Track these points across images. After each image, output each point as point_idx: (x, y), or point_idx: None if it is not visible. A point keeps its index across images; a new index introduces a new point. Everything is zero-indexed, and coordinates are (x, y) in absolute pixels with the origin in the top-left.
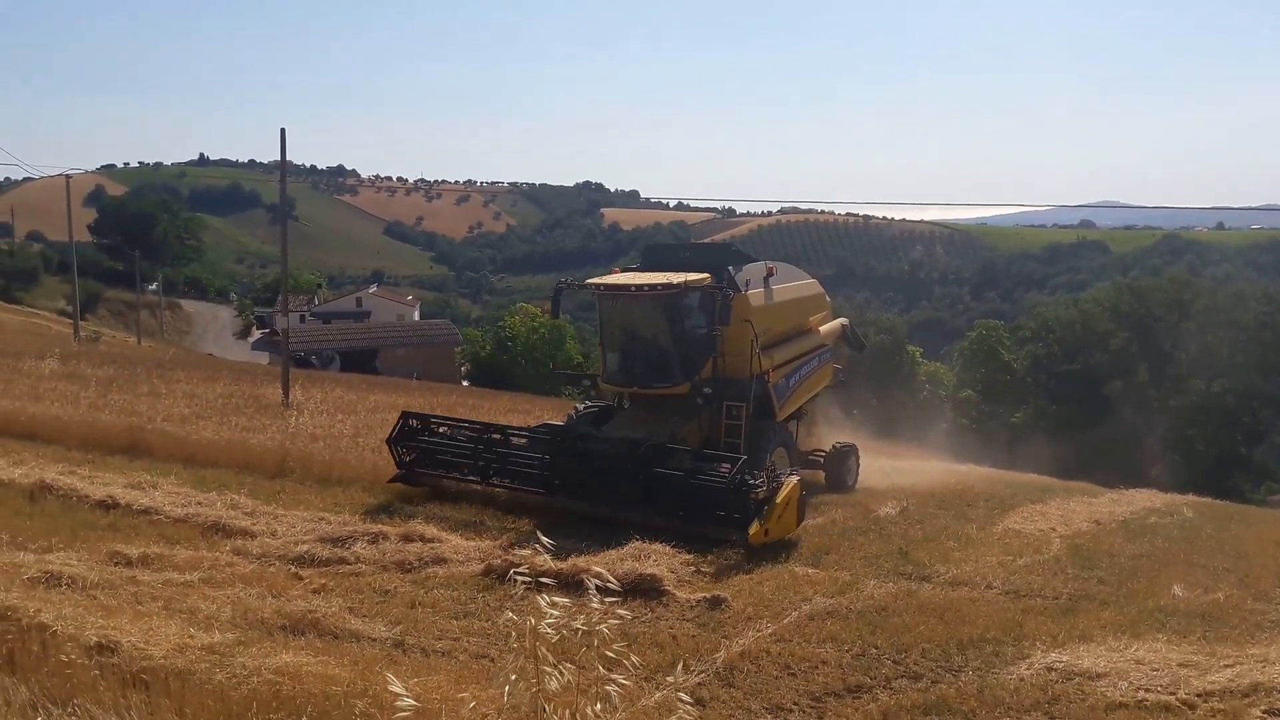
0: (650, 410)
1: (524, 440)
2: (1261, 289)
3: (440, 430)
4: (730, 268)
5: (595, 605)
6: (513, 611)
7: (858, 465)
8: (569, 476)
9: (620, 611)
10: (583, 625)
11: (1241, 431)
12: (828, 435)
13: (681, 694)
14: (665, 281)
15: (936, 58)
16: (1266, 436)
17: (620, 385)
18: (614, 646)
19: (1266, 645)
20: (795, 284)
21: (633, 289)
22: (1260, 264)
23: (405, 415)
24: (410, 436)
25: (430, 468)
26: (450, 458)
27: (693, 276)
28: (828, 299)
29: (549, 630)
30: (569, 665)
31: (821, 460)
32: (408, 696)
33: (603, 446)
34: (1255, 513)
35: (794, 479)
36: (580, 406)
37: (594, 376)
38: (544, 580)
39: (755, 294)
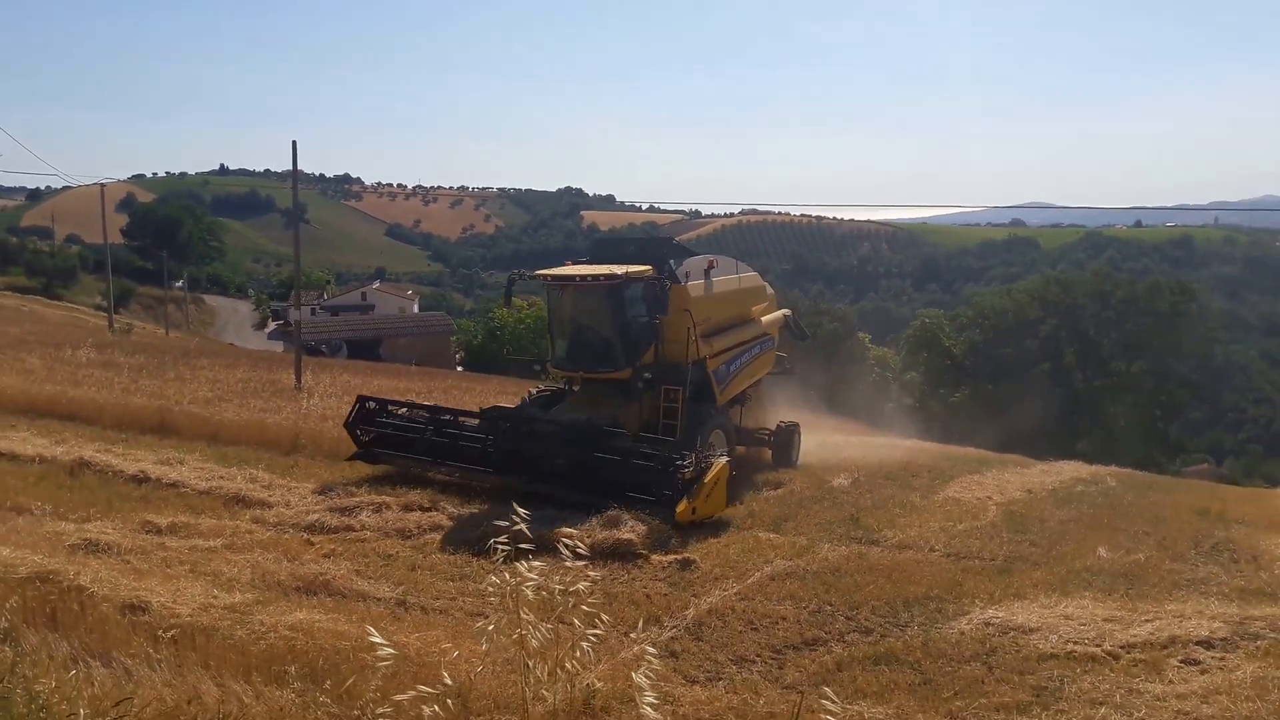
0: (597, 394)
1: (474, 422)
2: (1175, 281)
3: (399, 412)
4: (671, 261)
5: (569, 566)
6: (494, 575)
7: (799, 443)
8: (513, 457)
9: (590, 573)
10: (559, 585)
11: (1159, 408)
12: (775, 416)
13: (649, 647)
14: (608, 273)
15: (883, 79)
16: (1181, 413)
17: (567, 370)
18: (588, 601)
19: (1183, 602)
20: (736, 276)
21: (576, 280)
22: (1174, 258)
23: (361, 399)
24: (368, 418)
25: (386, 448)
26: (404, 439)
27: (634, 268)
28: (769, 291)
29: (528, 591)
30: (547, 624)
31: (768, 439)
32: (387, 646)
33: (546, 428)
34: (1171, 482)
35: (723, 460)
36: (534, 391)
37: (544, 362)
38: (523, 546)
39: (695, 285)
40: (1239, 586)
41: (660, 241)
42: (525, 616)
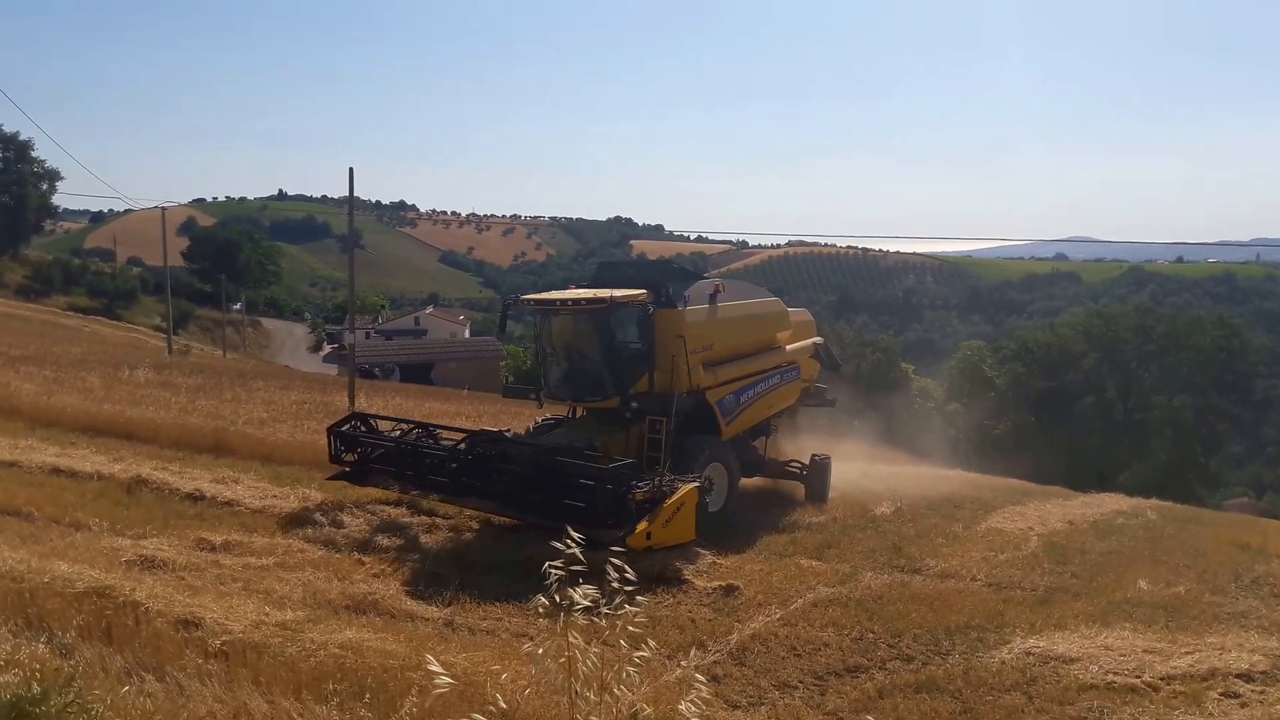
0: (595, 422)
1: (450, 445)
2: (1218, 316)
3: (391, 432)
4: (669, 285)
5: (616, 588)
6: (544, 597)
7: (830, 476)
8: (477, 480)
9: (639, 598)
10: (607, 609)
11: (1200, 442)
12: (812, 447)
13: (696, 672)
14: (592, 296)
15: (929, 114)
16: (1222, 447)
17: (559, 398)
18: (636, 623)
19: (1223, 635)
20: (749, 302)
21: (558, 304)
22: (1215, 294)
23: (354, 416)
24: (352, 440)
25: (369, 468)
26: (382, 460)
27: (624, 292)
28: (807, 317)
29: (578, 615)
30: (596, 647)
31: (800, 472)
32: (445, 675)
33: (511, 450)
34: (1212, 515)
35: (689, 486)
36: (539, 420)
37: (540, 390)
38: (575, 569)
39: (693, 310)
40: (1279, 620)
41: (660, 265)
42: (574, 640)
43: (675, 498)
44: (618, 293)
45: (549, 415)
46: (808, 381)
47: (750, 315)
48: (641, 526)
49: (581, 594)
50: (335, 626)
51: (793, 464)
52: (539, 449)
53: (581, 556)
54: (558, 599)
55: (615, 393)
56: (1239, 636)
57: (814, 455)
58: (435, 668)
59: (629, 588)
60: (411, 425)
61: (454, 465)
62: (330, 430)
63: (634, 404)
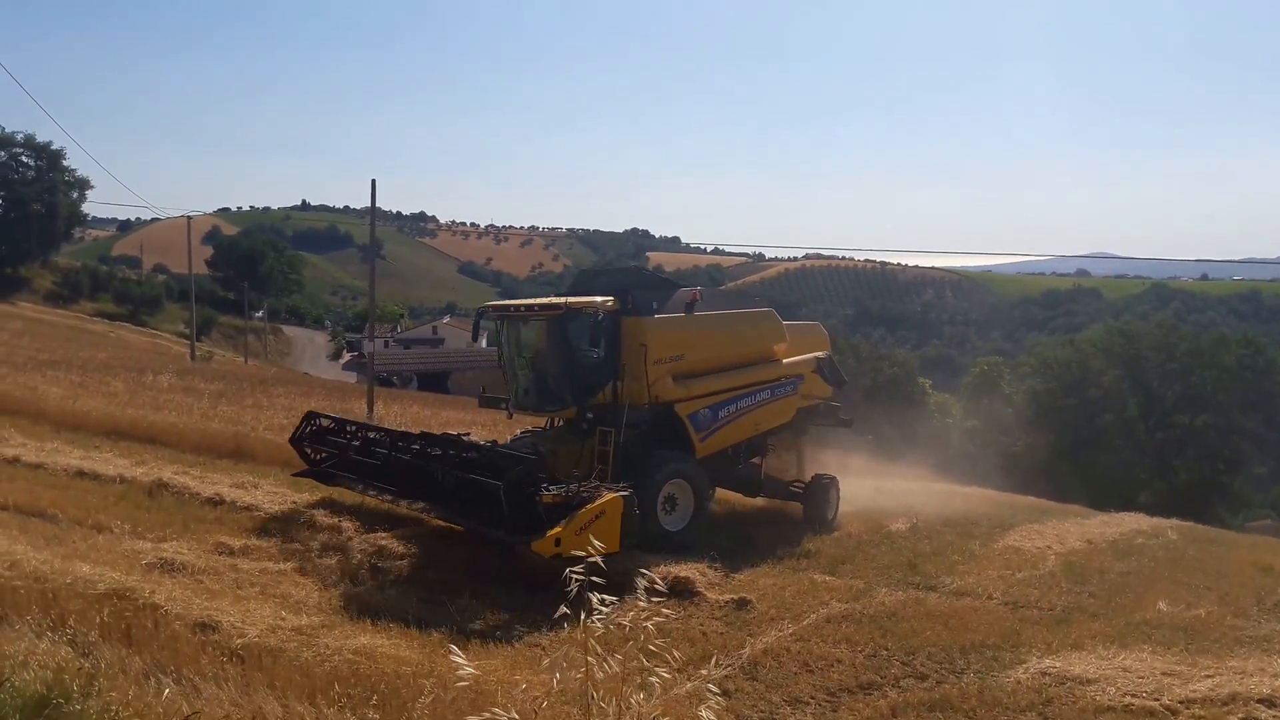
0: (568, 432)
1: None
2: (1243, 334)
3: (355, 433)
4: (637, 293)
5: (642, 604)
6: (564, 607)
7: (838, 499)
8: (422, 483)
9: (665, 611)
10: (629, 622)
11: (1222, 462)
12: (825, 463)
13: (710, 685)
14: (547, 303)
15: (951, 129)
16: (1245, 467)
17: (522, 408)
18: (656, 642)
19: (1244, 659)
20: (733, 312)
21: (511, 309)
22: (1241, 312)
23: (310, 415)
24: (319, 437)
25: (334, 468)
26: (347, 460)
27: (582, 299)
28: (787, 330)
29: (597, 625)
30: (616, 657)
31: (800, 492)
32: (468, 666)
33: (441, 452)
34: (1234, 537)
35: (615, 495)
36: (522, 430)
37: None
38: (595, 580)
39: (660, 319)
40: None
41: (632, 272)
42: (593, 649)
43: (594, 505)
44: (574, 300)
45: (534, 427)
46: (811, 399)
47: (735, 326)
48: (554, 531)
49: (599, 602)
50: (350, 632)
51: (796, 484)
52: (459, 450)
53: (603, 565)
54: (577, 609)
55: (573, 402)
56: (1261, 661)
57: (817, 475)
58: (459, 658)
59: (656, 599)
60: (360, 427)
61: (397, 466)
62: (292, 441)
63: (589, 415)
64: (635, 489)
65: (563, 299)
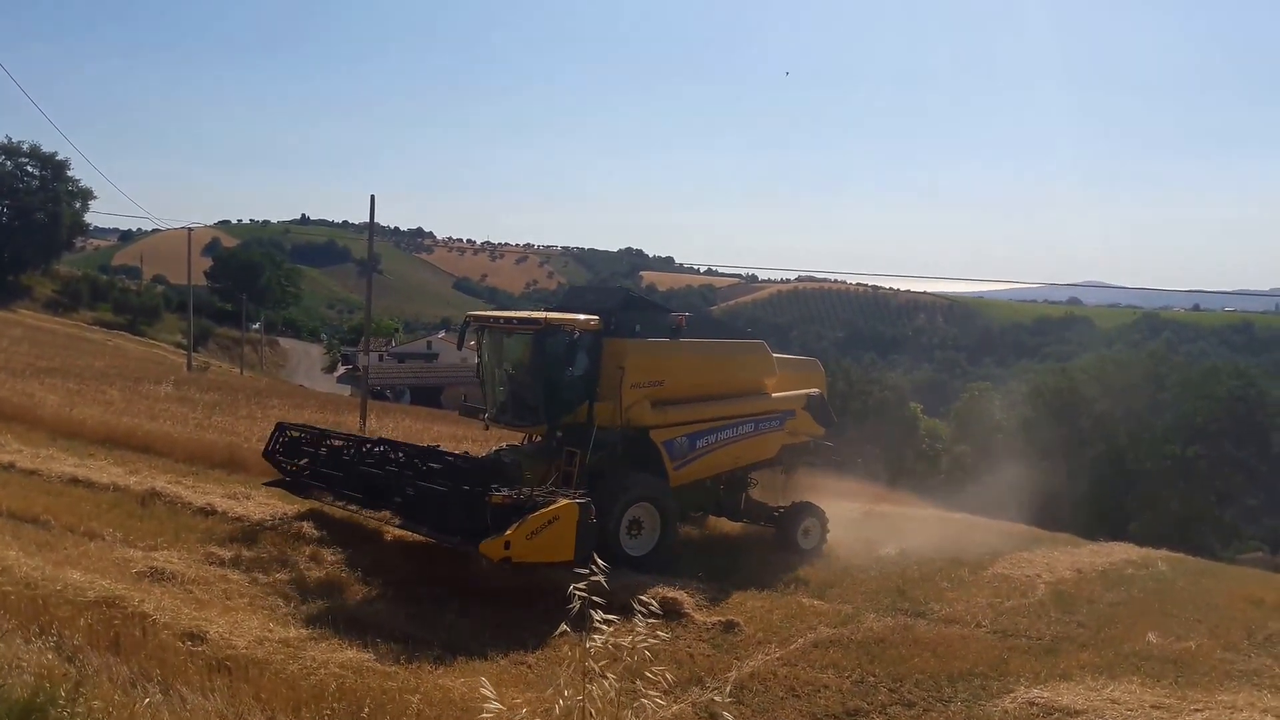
0: (544, 449)
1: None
2: (1234, 365)
3: (334, 444)
4: (621, 314)
5: (641, 628)
6: (566, 626)
7: (822, 528)
8: (377, 491)
9: (660, 634)
10: (628, 644)
11: (1214, 493)
12: (801, 493)
13: (716, 697)
14: (526, 317)
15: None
16: (1237, 499)
17: (498, 422)
18: (653, 668)
19: (1234, 693)
20: (720, 341)
21: (493, 320)
22: (1233, 343)
23: (280, 426)
24: (292, 448)
25: (309, 478)
26: (320, 471)
27: (562, 315)
28: (776, 363)
29: (598, 641)
30: (609, 678)
31: (774, 517)
32: (495, 700)
33: (403, 458)
34: (1225, 569)
35: (567, 502)
36: (505, 445)
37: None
38: (596, 600)
39: (642, 343)
40: None
41: (624, 295)
42: (593, 669)
43: (547, 510)
44: (554, 315)
45: (513, 442)
46: (798, 436)
47: (720, 355)
48: (509, 534)
49: (601, 619)
50: (337, 646)
51: (780, 509)
52: (422, 459)
53: (606, 585)
54: (572, 628)
55: (545, 419)
56: (1251, 695)
57: (796, 503)
58: (488, 690)
59: (652, 619)
60: (327, 436)
61: (361, 476)
62: (265, 454)
63: (559, 433)
64: (599, 510)
65: (543, 314)
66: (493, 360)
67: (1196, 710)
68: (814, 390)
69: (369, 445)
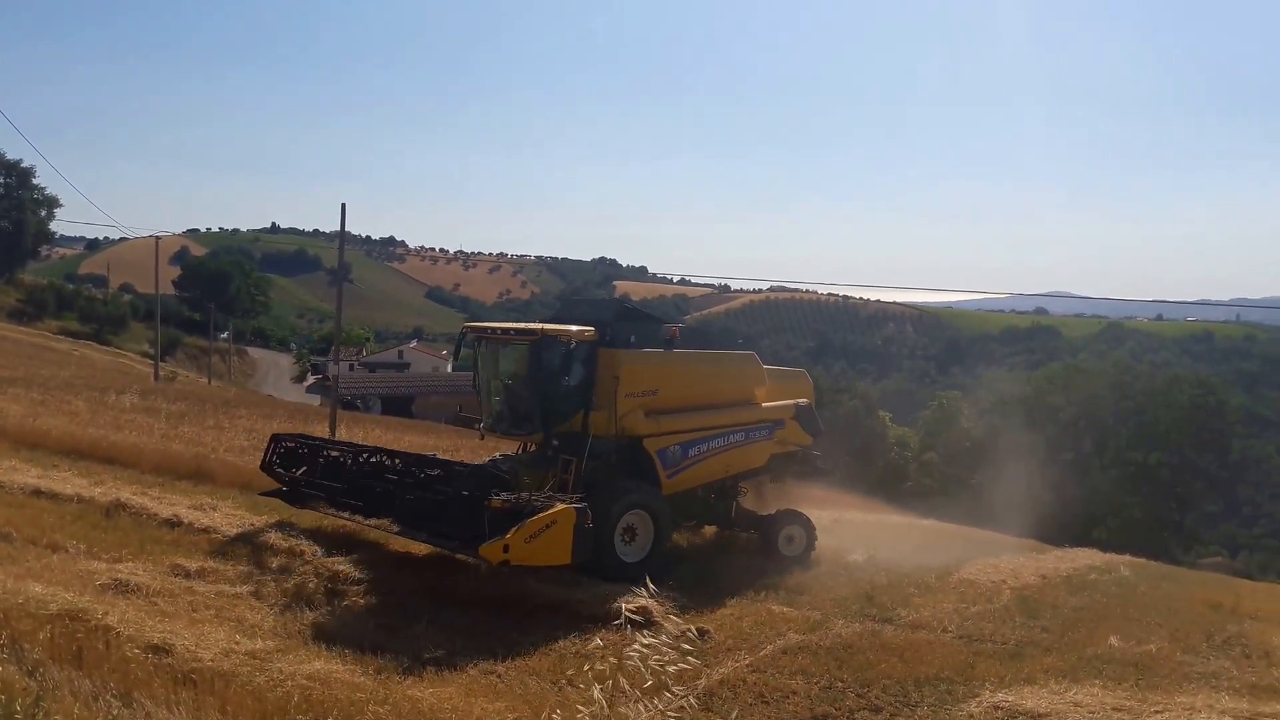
0: (540, 458)
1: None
2: (1196, 375)
3: (331, 455)
4: (616, 325)
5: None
6: (599, 639)
7: (808, 536)
8: (376, 499)
9: (686, 648)
10: (656, 660)
11: (1175, 500)
12: (785, 502)
13: (685, 704)
14: (523, 327)
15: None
16: (1197, 505)
17: (494, 431)
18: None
19: (1194, 695)
20: (713, 352)
21: (489, 331)
22: (1194, 353)
23: (275, 438)
24: (290, 458)
25: (307, 487)
26: (312, 479)
27: (558, 326)
28: (767, 373)
29: (634, 658)
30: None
31: (754, 525)
32: None
33: (400, 466)
34: (1186, 574)
35: (564, 506)
36: (500, 454)
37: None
38: (633, 618)
39: (637, 353)
40: (1250, 682)
41: (620, 306)
42: (622, 686)
43: (545, 514)
44: (550, 326)
45: (509, 452)
46: (787, 445)
47: (713, 366)
48: (509, 537)
49: (634, 633)
50: (304, 657)
51: (764, 517)
52: (421, 466)
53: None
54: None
55: (541, 428)
56: (1210, 697)
57: (780, 510)
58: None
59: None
60: (326, 445)
61: (360, 484)
62: (263, 467)
63: (554, 442)
64: (594, 517)
65: (540, 325)
66: (489, 370)
67: (1157, 712)
68: (802, 400)
69: (366, 454)
